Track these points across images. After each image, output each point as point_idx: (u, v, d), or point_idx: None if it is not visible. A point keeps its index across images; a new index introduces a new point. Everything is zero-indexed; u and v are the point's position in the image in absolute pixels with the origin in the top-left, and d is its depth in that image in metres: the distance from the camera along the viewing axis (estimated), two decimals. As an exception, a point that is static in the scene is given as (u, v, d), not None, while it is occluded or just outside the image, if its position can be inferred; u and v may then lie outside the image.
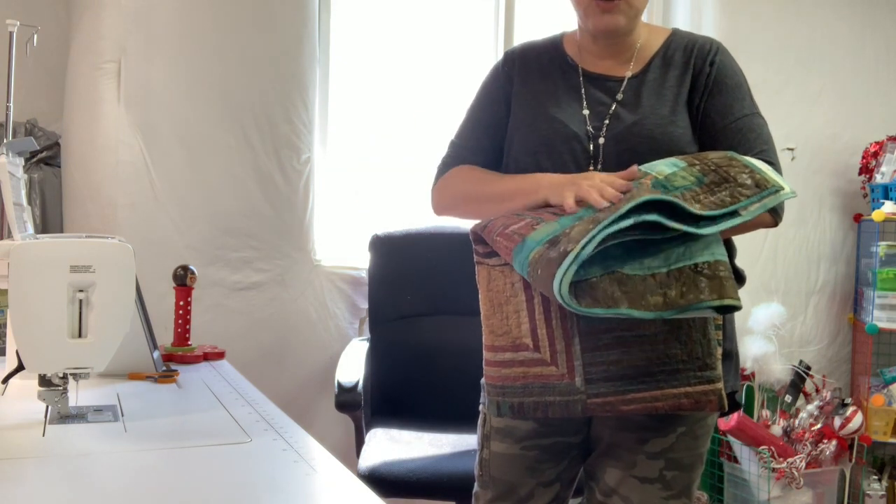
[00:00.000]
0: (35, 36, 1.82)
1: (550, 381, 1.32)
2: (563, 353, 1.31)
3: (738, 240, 3.25)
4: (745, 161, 1.31)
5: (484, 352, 1.38)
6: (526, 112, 1.51)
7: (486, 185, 1.47)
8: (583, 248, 1.16)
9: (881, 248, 3.07)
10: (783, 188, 1.28)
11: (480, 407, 1.55)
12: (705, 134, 1.44)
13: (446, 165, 1.57)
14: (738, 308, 1.22)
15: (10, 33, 1.72)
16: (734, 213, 1.25)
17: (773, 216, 1.36)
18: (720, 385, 1.27)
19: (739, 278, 1.49)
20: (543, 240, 1.24)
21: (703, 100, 1.44)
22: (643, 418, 1.42)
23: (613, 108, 1.46)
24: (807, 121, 3.28)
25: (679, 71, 1.46)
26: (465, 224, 1.45)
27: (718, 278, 1.21)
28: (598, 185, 1.26)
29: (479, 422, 1.54)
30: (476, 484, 1.55)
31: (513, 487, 1.50)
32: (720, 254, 1.24)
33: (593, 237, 1.17)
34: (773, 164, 1.39)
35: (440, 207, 1.57)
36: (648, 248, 1.23)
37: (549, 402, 1.32)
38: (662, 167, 1.32)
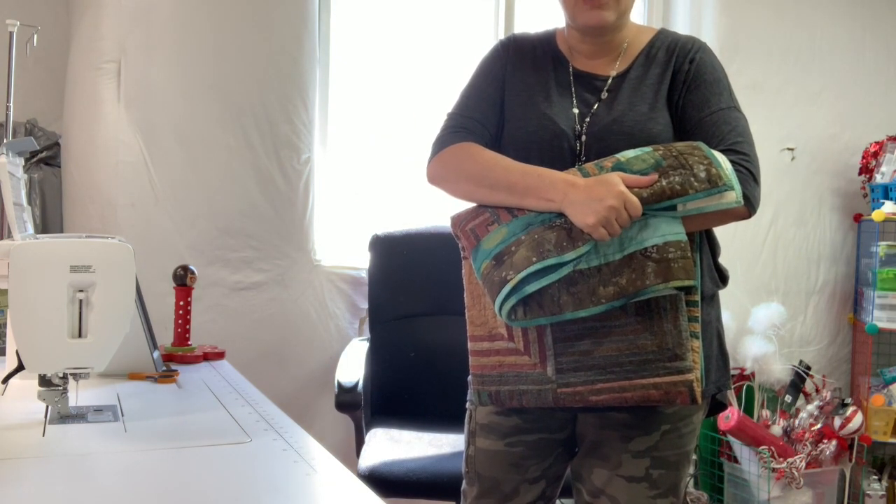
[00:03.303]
0: (35, 36, 1.82)
1: (524, 370, 1.35)
2: (536, 342, 1.34)
3: (738, 240, 3.28)
4: (709, 153, 1.32)
5: (468, 342, 1.43)
6: (516, 105, 1.50)
7: (494, 171, 1.40)
8: (519, 281, 1.25)
9: (881, 248, 3.07)
10: (732, 189, 1.30)
11: (467, 404, 1.56)
12: (683, 128, 1.44)
13: (449, 135, 1.49)
14: (689, 287, 1.26)
15: (10, 33, 1.72)
16: (672, 207, 1.28)
17: (748, 207, 1.35)
18: (691, 377, 1.28)
19: (723, 278, 1.50)
20: (492, 252, 1.31)
21: (682, 95, 1.44)
22: (626, 416, 1.42)
23: (596, 106, 1.46)
24: (807, 121, 3.28)
25: (661, 69, 1.46)
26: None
27: (666, 261, 1.25)
28: (618, 207, 1.26)
29: (466, 419, 1.56)
30: (463, 481, 1.56)
31: (498, 484, 1.50)
32: (673, 234, 1.27)
33: (531, 274, 1.25)
34: (748, 155, 1.38)
35: (439, 179, 1.49)
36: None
37: (524, 391, 1.36)
38: (628, 151, 1.35)
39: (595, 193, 1.28)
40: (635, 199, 1.27)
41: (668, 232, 1.27)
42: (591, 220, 1.26)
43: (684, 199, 1.28)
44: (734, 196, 1.30)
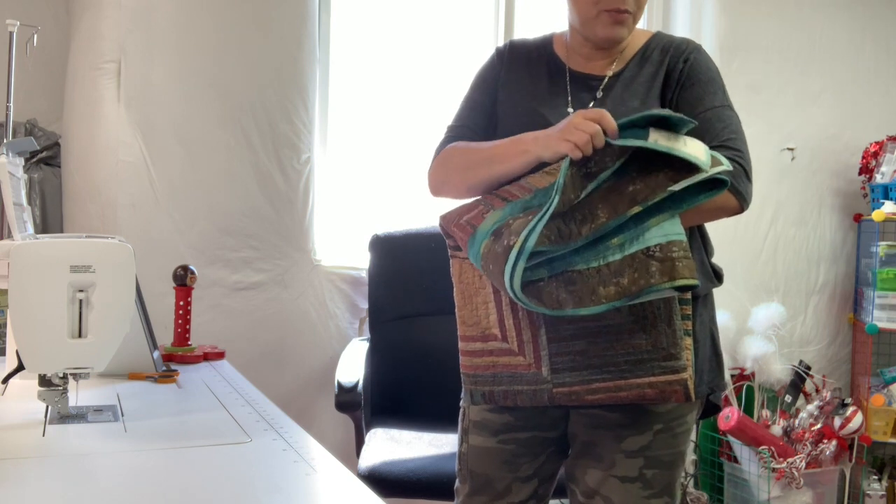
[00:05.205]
0: (35, 36, 1.82)
1: (518, 370, 1.35)
2: (530, 342, 1.34)
3: (738, 240, 3.27)
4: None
5: (459, 342, 1.42)
6: (509, 105, 1.54)
7: (476, 152, 1.45)
8: (525, 240, 1.20)
9: (881, 248, 3.07)
10: (722, 166, 1.26)
11: (461, 402, 1.56)
12: None
13: (442, 145, 1.56)
14: (694, 286, 1.24)
15: (10, 33, 1.72)
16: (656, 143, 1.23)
17: (740, 201, 1.36)
18: (685, 375, 1.28)
19: (717, 276, 1.51)
20: (490, 230, 1.28)
21: (675, 93, 1.46)
22: (619, 416, 1.42)
23: (591, 105, 1.49)
24: (807, 121, 3.29)
25: (654, 68, 1.49)
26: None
27: (670, 260, 1.23)
28: (586, 128, 1.23)
29: (459, 416, 1.56)
30: (456, 479, 1.56)
31: (490, 481, 1.51)
32: (675, 233, 1.26)
33: (533, 228, 1.21)
34: (741, 151, 1.39)
35: (435, 186, 1.55)
36: (603, 238, 1.25)
37: (518, 391, 1.36)
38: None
39: (566, 126, 1.27)
40: (610, 118, 1.24)
41: (670, 231, 1.25)
42: (563, 147, 1.25)
43: (659, 113, 1.23)
44: (724, 166, 1.26)
